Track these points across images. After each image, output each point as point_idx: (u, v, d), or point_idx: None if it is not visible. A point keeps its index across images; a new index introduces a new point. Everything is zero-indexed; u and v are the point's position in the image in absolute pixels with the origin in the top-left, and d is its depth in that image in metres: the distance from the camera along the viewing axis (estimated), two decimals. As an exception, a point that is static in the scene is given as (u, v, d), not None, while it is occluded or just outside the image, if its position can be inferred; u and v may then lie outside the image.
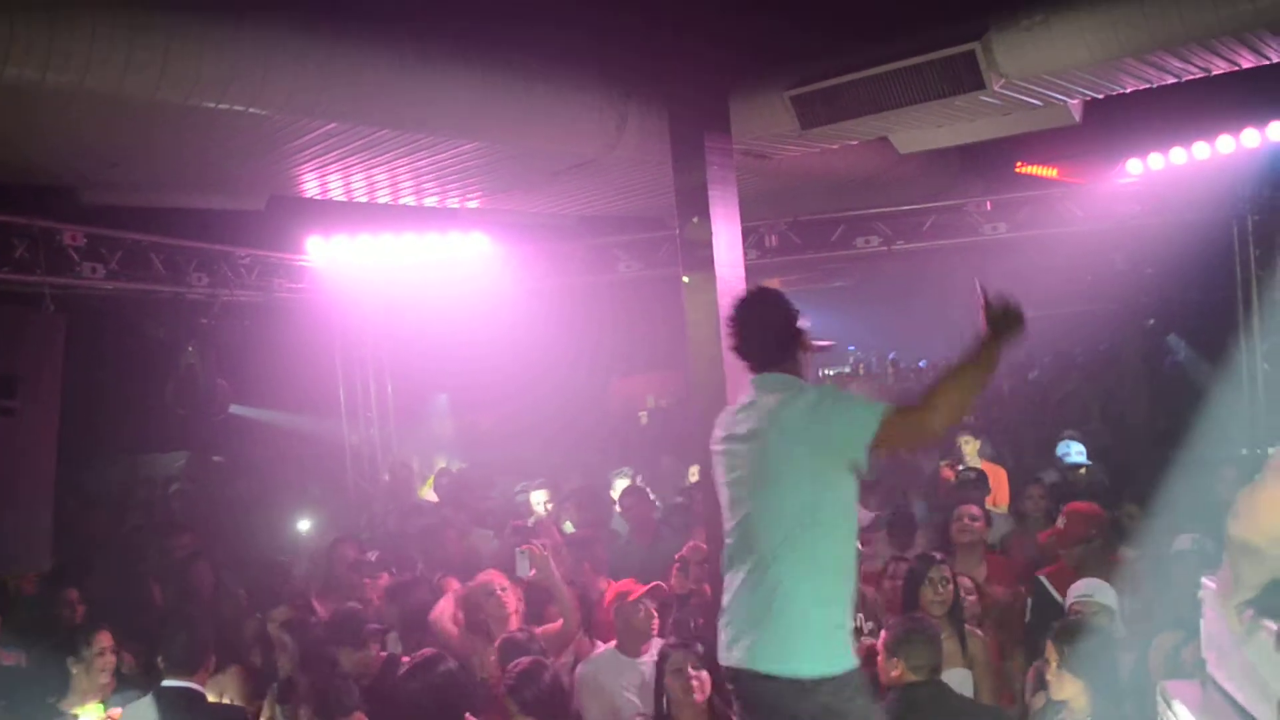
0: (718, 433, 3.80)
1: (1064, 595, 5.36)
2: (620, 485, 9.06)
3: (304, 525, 9.17)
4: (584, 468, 10.63)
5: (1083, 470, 8.53)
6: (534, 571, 5.66)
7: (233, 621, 6.53)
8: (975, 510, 6.27)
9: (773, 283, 16.57)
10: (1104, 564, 5.51)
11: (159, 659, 4.93)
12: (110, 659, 5.05)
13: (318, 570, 7.27)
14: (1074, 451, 8.91)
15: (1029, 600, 5.66)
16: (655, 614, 5.31)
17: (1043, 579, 5.59)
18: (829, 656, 3.40)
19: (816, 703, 3.35)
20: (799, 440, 3.45)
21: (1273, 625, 2.25)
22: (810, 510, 3.44)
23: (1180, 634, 4.38)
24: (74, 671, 5.03)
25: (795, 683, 3.36)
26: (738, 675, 3.55)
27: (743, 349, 3.73)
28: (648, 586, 5.37)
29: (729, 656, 3.57)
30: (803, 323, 3.74)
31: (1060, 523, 5.79)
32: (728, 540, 3.69)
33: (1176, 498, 5.94)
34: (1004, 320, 3.47)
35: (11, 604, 6.92)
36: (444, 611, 5.77)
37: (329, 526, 9.14)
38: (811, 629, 3.41)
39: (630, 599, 5.26)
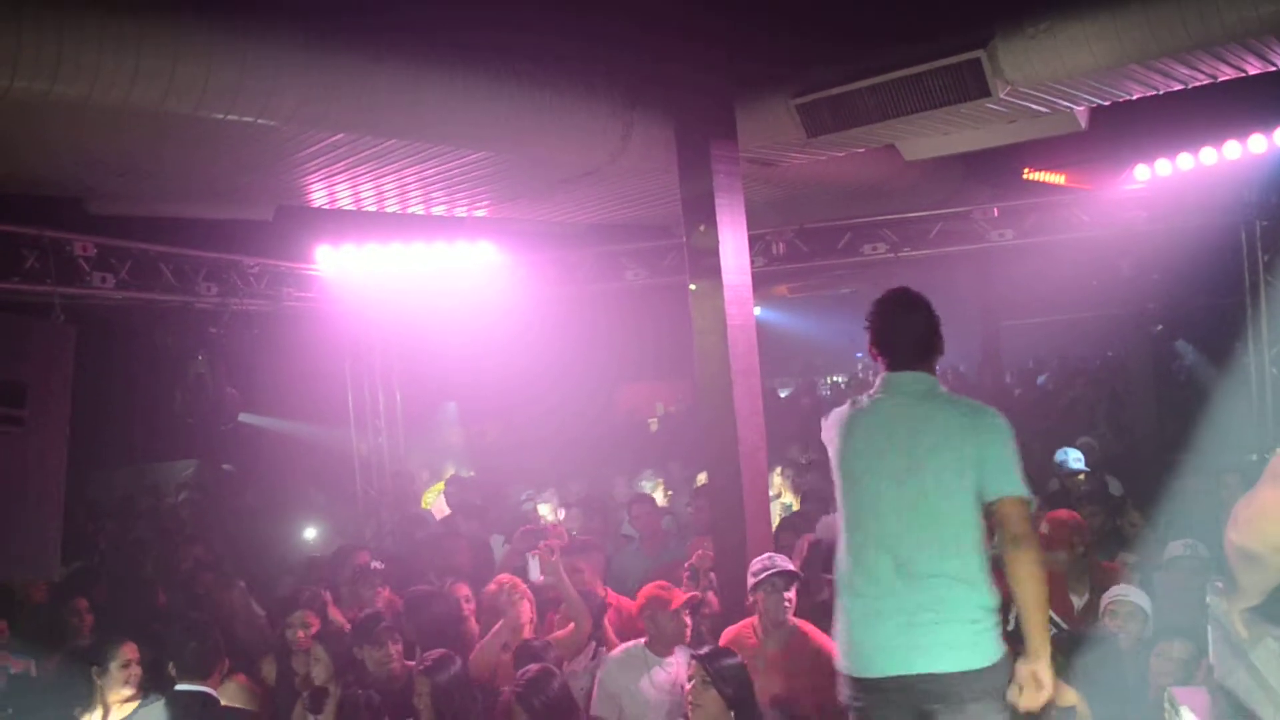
0: (839, 427, 3.83)
1: (1051, 602, 5.36)
2: (648, 488, 9.12)
3: (310, 534, 9.19)
4: (592, 475, 10.64)
5: (1081, 477, 8.50)
6: (543, 576, 5.68)
7: (244, 628, 6.55)
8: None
9: (779, 290, 16.65)
10: (1087, 572, 5.50)
11: (170, 664, 4.96)
12: (135, 670, 5.06)
13: (318, 578, 7.24)
14: (1071, 459, 8.89)
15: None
16: (689, 623, 5.32)
17: None
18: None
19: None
20: (962, 448, 3.58)
21: (1278, 631, 2.24)
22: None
23: (1179, 640, 4.37)
24: (98, 682, 5.05)
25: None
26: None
27: (889, 347, 3.80)
28: (686, 596, 5.37)
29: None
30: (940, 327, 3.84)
31: (1043, 529, 5.76)
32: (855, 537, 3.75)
33: (1182, 504, 5.93)
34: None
35: (21, 612, 6.96)
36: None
37: (334, 535, 9.16)
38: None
39: (671, 608, 5.24)
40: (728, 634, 5.22)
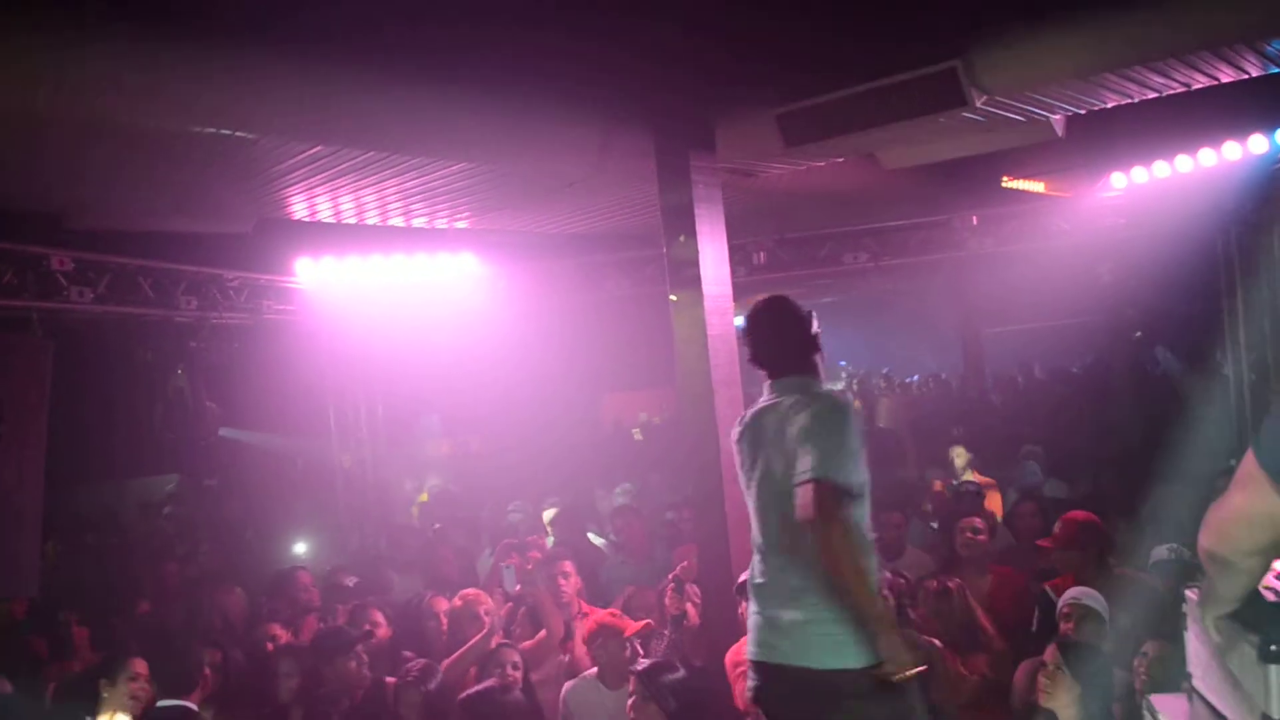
0: (736, 430, 3.94)
1: None
2: (619, 499, 9.10)
3: (300, 548, 9.14)
4: (577, 485, 10.62)
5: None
6: (519, 586, 5.75)
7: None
8: (978, 523, 6.28)
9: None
10: (1100, 574, 5.50)
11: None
12: (144, 687, 5.06)
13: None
14: (1028, 473, 9.00)
15: (1036, 612, 5.65)
16: (641, 653, 5.30)
17: (1049, 590, 5.56)
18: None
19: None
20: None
21: (1254, 638, 2.25)
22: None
23: (1161, 644, 4.39)
24: (105, 695, 5.04)
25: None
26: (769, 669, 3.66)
27: (760, 357, 3.86)
28: (639, 625, 5.37)
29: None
30: (816, 328, 3.86)
31: (1057, 530, 5.78)
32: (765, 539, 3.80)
33: (1162, 509, 5.96)
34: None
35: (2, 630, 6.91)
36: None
37: (317, 548, 9.12)
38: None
39: (624, 635, 5.23)
40: (730, 658, 5.15)
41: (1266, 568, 2.12)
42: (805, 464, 3.45)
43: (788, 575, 3.62)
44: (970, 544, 6.18)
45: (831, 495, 3.40)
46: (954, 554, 6.32)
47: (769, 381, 3.85)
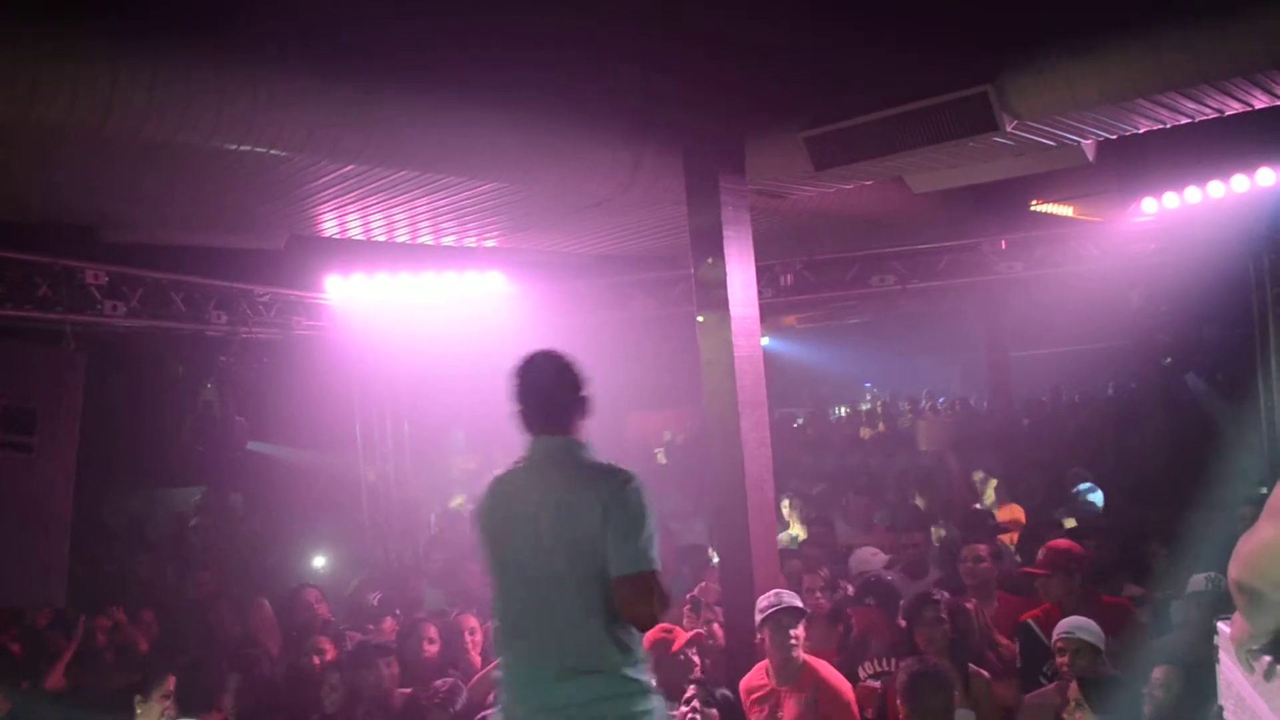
0: (481, 499, 3.65)
1: (1050, 638, 5.32)
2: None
3: (319, 562, 9.17)
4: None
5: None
6: None
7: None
8: (981, 550, 6.22)
9: (788, 320, 16.65)
10: (1086, 603, 5.41)
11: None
12: (172, 704, 5.12)
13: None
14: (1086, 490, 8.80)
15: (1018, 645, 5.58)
16: (696, 662, 5.24)
17: (1030, 622, 5.48)
18: None
19: None
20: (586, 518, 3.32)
21: (1289, 673, 2.21)
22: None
23: (1168, 669, 4.35)
24: (139, 711, 5.11)
25: None
26: None
27: (521, 412, 3.57)
28: (689, 635, 5.34)
29: None
30: (588, 389, 3.61)
31: (1040, 557, 5.72)
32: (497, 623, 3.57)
33: (1194, 537, 5.90)
34: None
35: (28, 637, 6.97)
36: None
37: (341, 564, 9.15)
38: None
39: (672, 650, 5.21)
40: (744, 685, 5.17)
41: None
42: (632, 558, 3.23)
43: (553, 657, 3.33)
44: (972, 572, 6.12)
45: (661, 589, 3.29)
46: (959, 581, 6.26)
47: (528, 441, 3.56)
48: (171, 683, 5.16)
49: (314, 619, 6.79)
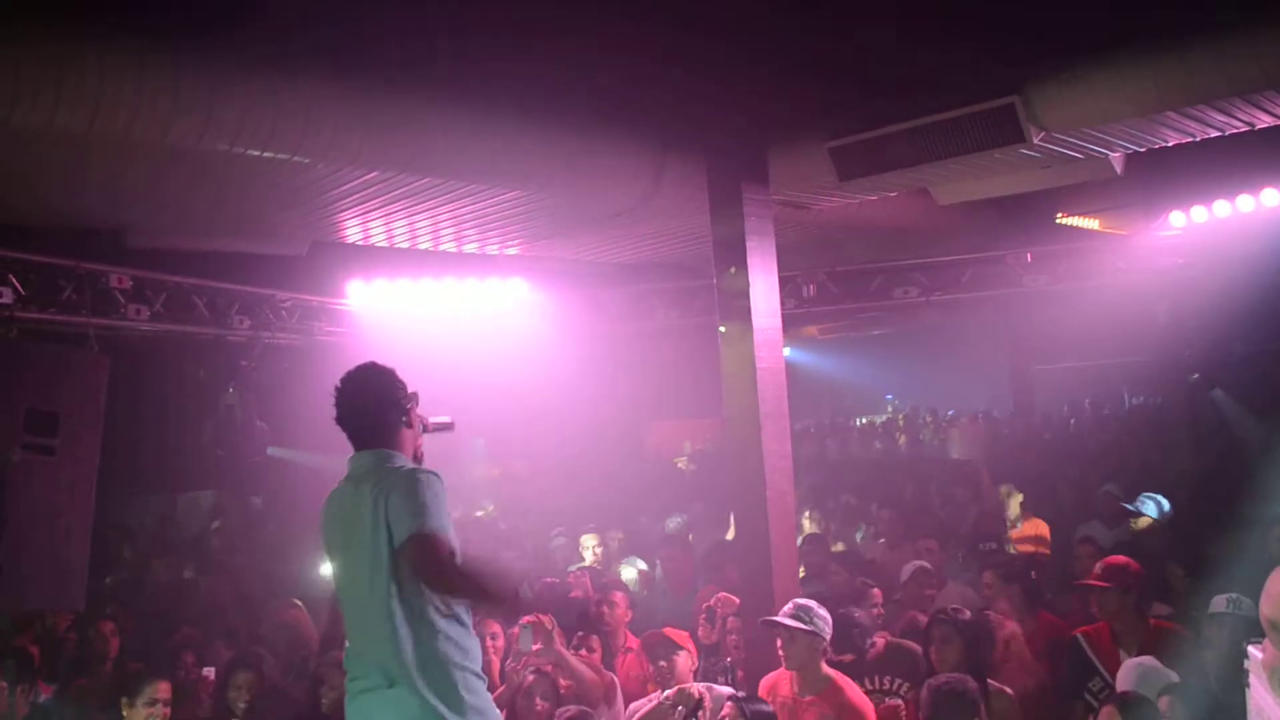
0: (322, 514, 3.73)
1: (1099, 657, 5.22)
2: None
3: (327, 569, 9.16)
4: (619, 513, 10.58)
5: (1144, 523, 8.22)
6: (538, 646, 5.25)
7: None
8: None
9: (810, 330, 16.59)
10: (1137, 621, 5.35)
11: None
12: (164, 711, 5.11)
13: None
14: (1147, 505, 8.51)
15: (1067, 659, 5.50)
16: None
17: (1080, 638, 5.42)
18: None
19: None
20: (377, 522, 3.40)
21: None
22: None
23: (1165, 697, 4.29)
24: (125, 714, 5.12)
25: None
26: None
27: (341, 425, 3.67)
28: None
29: None
30: (407, 400, 3.67)
31: (1095, 571, 5.64)
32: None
33: (1220, 557, 5.81)
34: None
35: (48, 639, 7.00)
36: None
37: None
38: None
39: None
40: (765, 682, 5.14)
41: None
42: (406, 525, 3.32)
43: (367, 671, 3.43)
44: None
45: (441, 544, 3.31)
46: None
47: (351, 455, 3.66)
48: (163, 689, 5.15)
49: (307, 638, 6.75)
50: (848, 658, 5.34)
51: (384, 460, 3.56)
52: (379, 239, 8.24)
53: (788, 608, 5.02)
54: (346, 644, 3.62)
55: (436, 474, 3.49)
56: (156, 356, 9.19)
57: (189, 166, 6.00)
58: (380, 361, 3.76)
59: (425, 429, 3.83)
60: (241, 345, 9.10)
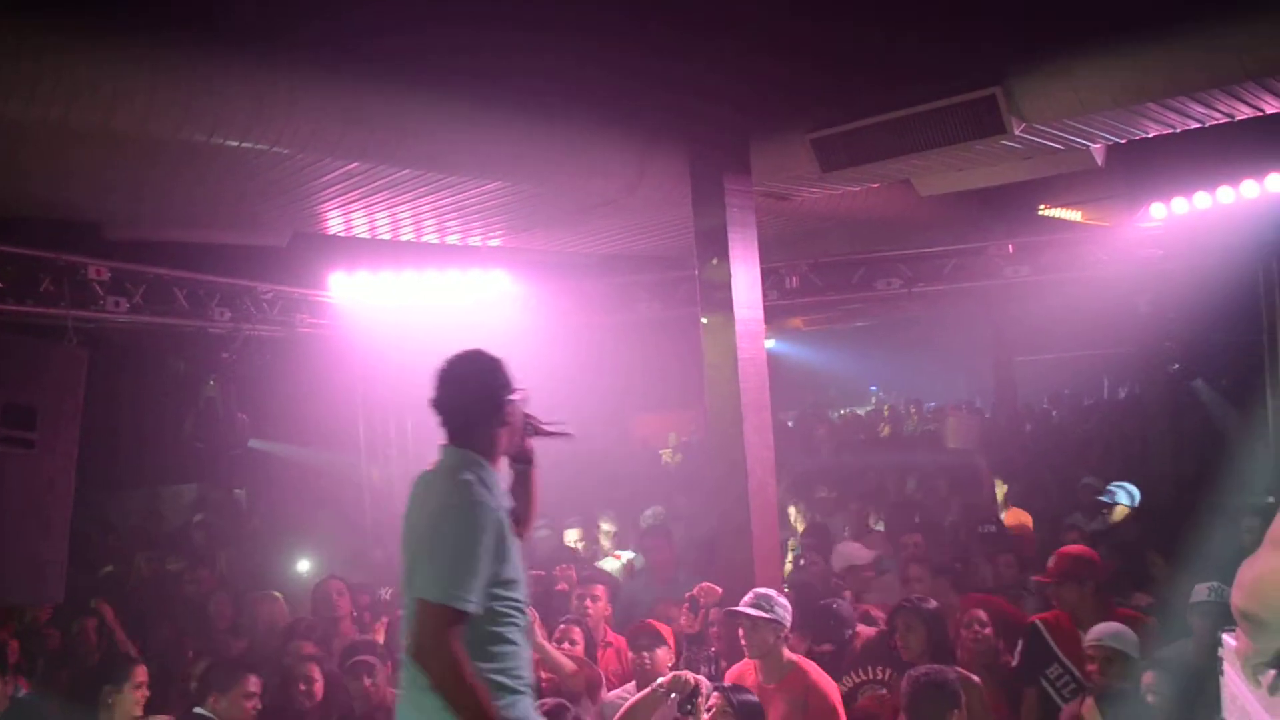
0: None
1: (1060, 644, 5.26)
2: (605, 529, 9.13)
3: (303, 565, 9.14)
4: (608, 504, 10.58)
5: (1118, 513, 8.28)
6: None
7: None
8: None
9: (794, 322, 16.61)
10: (1097, 610, 5.35)
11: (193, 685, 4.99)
12: (144, 693, 5.17)
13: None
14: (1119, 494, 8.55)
15: (1020, 644, 5.53)
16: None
17: (1039, 624, 5.44)
18: None
19: None
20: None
21: (1295, 687, 2.18)
22: None
23: (1149, 673, 4.32)
24: (109, 702, 5.13)
25: None
26: None
27: (437, 414, 3.41)
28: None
29: None
30: (508, 398, 3.40)
31: (1051, 564, 5.66)
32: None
33: (1200, 546, 5.85)
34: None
35: (27, 634, 6.96)
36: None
37: (340, 564, 9.12)
38: None
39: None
40: (732, 673, 5.17)
41: None
42: (422, 578, 3.13)
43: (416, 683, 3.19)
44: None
45: (441, 619, 3.08)
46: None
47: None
48: (141, 672, 5.19)
49: (335, 614, 6.73)
50: (827, 648, 5.36)
51: (458, 463, 3.32)
52: (361, 230, 8.21)
53: (748, 597, 5.05)
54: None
55: (483, 505, 3.20)
56: (136, 349, 9.13)
57: (168, 157, 5.97)
58: (488, 351, 3.46)
59: (536, 432, 3.61)
60: (222, 337, 9.03)
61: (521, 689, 3.33)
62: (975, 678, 4.92)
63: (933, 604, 5.35)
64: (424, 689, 3.12)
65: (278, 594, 7.10)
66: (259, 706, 5.09)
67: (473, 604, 3.11)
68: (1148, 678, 4.42)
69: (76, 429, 6.67)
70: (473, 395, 3.36)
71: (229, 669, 5.27)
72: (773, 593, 5.08)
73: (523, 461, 3.63)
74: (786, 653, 4.98)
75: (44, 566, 6.35)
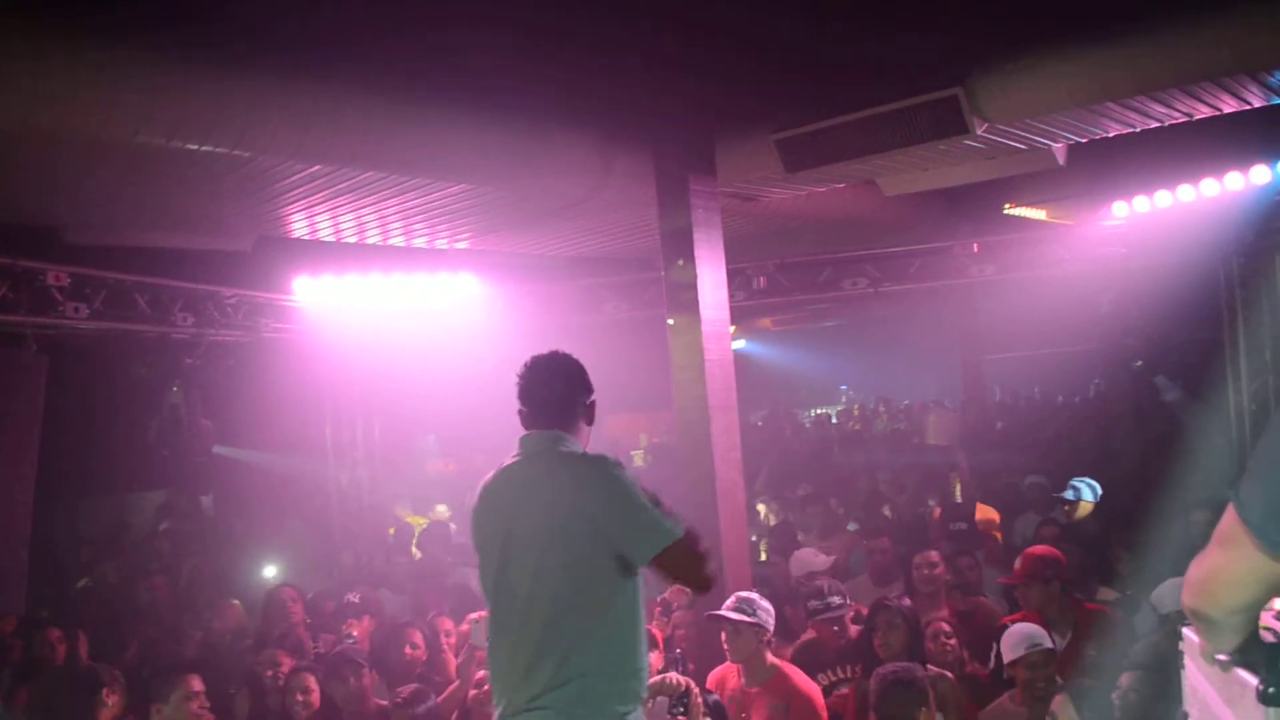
0: (478, 497, 3.58)
1: None
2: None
3: (270, 571, 9.06)
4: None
5: (1079, 509, 8.33)
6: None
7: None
8: (934, 557, 6.19)
9: (763, 322, 16.66)
10: (1064, 609, 5.40)
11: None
12: (205, 703, 4.92)
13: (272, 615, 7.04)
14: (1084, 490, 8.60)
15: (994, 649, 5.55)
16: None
17: (1010, 626, 5.47)
18: None
19: None
20: (578, 514, 3.28)
21: (1252, 680, 2.20)
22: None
23: (1135, 675, 4.34)
24: (108, 703, 5.01)
25: None
26: None
27: (523, 410, 3.57)
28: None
29: None
30: (592, 396, 3.65)
31: (1017, 567, 5.70)
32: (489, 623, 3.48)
33: (1160, 540, 5.90)
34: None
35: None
36: None
37: (308, 568, 9.05)
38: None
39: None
40: (713, 676, 5.15)
41: (1254, 620, 2.07)
42: (655, 536, 3.22)
43: (545, 661, 3.21)
44: (926, 579, 6.13)
45: (688, 547, 3.26)
46: (913, 588, 6.25)
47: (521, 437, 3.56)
48: (195, 682, 5.00)
49: (290, 621, 6.67)
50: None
51: (558, 442, 3.47)
52: (326, 233, 8.16)
53: (730, 601, 5.03)
54: (493, 646, 3.43)
55: (616, 459, 3.42)
56: (98, 355, 9.01)
57: (127, 161, 5.90)
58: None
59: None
60: (186, 343, 8.93)
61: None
62: (948, 674, 4.94)
63: (907, 602, 5.40)
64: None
65: (236, 601, 7.02)
66: (206, 705, 4.96)
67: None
68: (1125, 679, 4.44)
69: (35, 437, 6.61)
70: (568, 384, 3.61)
71: (166, 674, 5.09)
72: (755, 596, 5.06)
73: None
74: (769, 656, 4.96)
75: (4, 575, 6.28)
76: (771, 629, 4.98)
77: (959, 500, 9.12)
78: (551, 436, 3.48)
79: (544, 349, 3.72)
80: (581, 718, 3.19)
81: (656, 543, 3.23)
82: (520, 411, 3.58)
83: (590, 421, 3.62)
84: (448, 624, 6.21)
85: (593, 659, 3.22)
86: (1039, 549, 5.76)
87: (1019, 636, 4.85)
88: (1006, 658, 4.84)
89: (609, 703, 3.22)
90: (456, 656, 5.93)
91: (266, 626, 6.67)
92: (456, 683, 5.45)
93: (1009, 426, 16.05)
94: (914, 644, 5.11)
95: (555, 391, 3.57)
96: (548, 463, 3.43)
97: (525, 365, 3.62)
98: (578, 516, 3.27)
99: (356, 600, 7.08)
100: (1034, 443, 13.67)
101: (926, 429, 12.41)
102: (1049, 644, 4.84)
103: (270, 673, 5.64)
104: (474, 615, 5.14)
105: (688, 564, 3.29)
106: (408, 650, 5.89)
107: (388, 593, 7.73)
